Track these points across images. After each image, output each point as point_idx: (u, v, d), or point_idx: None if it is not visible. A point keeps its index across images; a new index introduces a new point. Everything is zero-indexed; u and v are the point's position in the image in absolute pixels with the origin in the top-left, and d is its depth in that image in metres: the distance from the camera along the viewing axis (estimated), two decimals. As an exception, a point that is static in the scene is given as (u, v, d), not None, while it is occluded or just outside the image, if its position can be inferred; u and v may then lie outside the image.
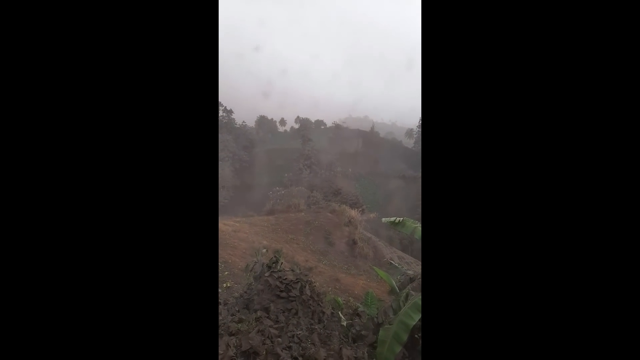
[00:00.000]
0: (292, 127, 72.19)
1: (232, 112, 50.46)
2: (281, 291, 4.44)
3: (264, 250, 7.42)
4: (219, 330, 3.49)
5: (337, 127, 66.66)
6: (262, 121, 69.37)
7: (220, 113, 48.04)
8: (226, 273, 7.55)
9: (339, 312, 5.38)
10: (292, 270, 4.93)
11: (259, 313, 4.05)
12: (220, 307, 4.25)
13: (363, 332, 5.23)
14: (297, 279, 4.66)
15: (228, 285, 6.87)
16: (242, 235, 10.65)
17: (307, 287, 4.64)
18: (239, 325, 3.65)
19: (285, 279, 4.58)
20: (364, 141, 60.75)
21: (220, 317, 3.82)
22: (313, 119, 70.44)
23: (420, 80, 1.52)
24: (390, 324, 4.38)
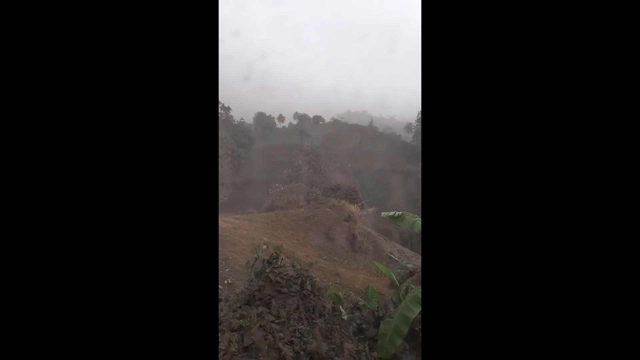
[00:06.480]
0: (290, 123, 71.97)
1: (230, 109, 50.29)
2: (282, 287, 4.46)
3: (264, 246, 7.43)
4: (221, 327, 3.51)
5: (336, 123, 66.58)
6: (260, 118, 69.17)
7: (219, 110, 47.90)
8: (227, 270, 7.57)
9: (340, 307, 5.42)
10: (292, 265, 4.95)
11: (260, 309, 4.07)
12: (221, 303, 4.27)
13: (364, 326, 5.27)
14: (297, 274, 4.68)
15: (229, 281, 6.90)
16: (242, 232, 10.66)
17: (308, 282, 4.66)
18: (241, 321, 3.67)
19: (286, 274, 4.60)
20: (363, 136, 60.70)
21: (222, 314, 3.84)
22: (311, 115, 70.30)
23: (419, 75, 1.52)
24: (390, 318, 4.41)
